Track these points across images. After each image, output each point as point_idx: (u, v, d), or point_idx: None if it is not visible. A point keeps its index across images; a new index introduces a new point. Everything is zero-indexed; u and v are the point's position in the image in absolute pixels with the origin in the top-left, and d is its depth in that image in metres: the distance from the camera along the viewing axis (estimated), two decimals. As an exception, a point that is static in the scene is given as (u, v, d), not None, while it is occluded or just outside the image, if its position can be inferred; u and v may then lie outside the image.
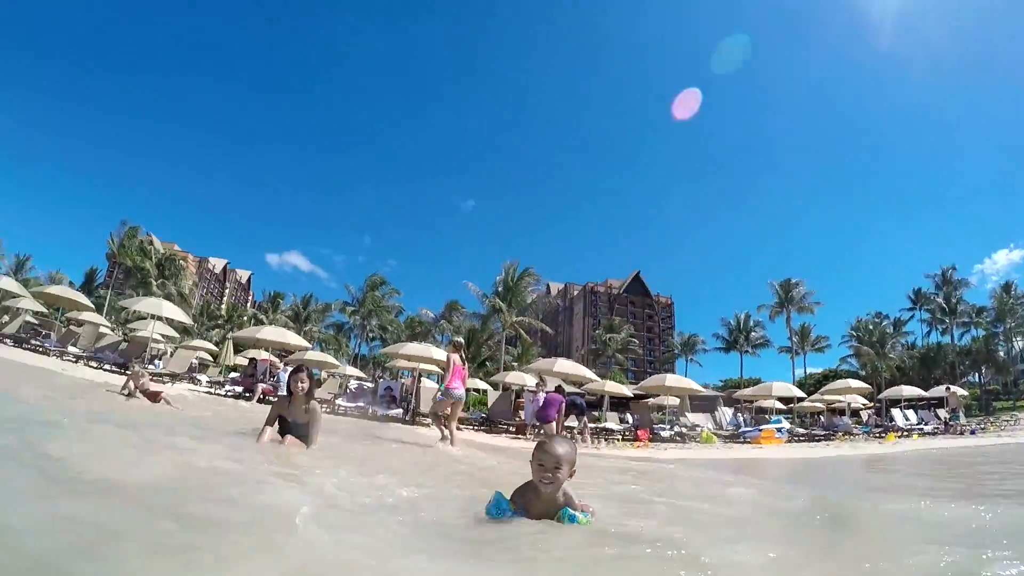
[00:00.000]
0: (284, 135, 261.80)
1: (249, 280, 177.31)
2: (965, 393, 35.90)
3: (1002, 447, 20.92)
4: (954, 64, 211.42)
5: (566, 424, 18.86)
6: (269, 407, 7.03)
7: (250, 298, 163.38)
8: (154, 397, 12.02)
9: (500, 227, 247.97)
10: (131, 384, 12.00)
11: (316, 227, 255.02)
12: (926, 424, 30.28)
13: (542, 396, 17.97)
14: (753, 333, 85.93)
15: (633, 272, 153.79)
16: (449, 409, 11.52)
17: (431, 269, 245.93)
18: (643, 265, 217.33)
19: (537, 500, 3.46)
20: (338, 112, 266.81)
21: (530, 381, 24.95)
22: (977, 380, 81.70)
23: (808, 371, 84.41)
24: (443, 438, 11.41)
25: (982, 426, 34.25)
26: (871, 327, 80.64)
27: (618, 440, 21.87)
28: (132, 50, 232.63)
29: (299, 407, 6.54)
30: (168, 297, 64.87)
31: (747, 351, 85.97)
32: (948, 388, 33.37)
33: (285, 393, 6.76)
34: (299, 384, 6.50)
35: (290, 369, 20.30)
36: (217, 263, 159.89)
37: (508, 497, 3.52)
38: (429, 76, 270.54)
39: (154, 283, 72.39)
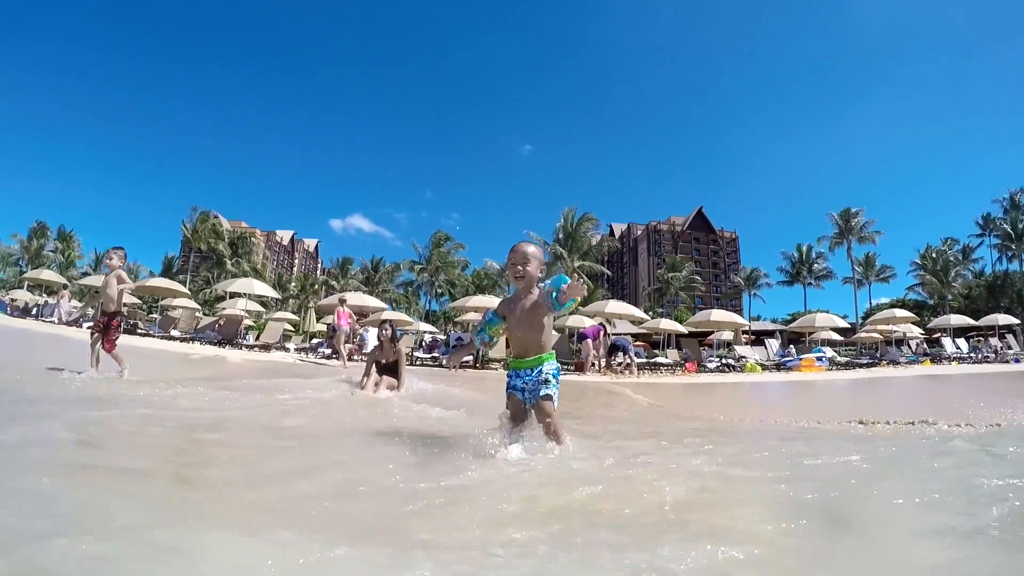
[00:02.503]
0: (335, 98, 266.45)
1: (316, 248, 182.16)
2: (1015, 321, 36.16)
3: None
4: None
5: (615, 361, 21.04)
6: (356, 363, 9.61)
7: (319, 266, 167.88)
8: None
9: (559, 171, 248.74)
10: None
11: (376, 187, 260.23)
12: (975, 353, 31.77)
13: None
14: (816, 265, 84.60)
15: (696, 208, 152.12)
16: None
17: (494, 219, 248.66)
18: (706, 200, 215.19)
19: (517, 302, 4.17)
20: (387, 67, 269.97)
21: (587, 322, 26.76)
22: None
23: (874, 302, 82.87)
24: None
25: None
26: (935, 255, 78.08)
27: (662, 371, 23.18)
28: (182, 33, 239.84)
29: (388, 351, 9.02)
30: (243, 274, 68.93)
31: (811, 283, 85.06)
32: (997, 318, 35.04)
33: (377, 345, 9.30)
34: (384, 332, 9.05)
35: (371, 329, 23.15)
36: (284, 235, 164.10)
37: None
38: (478, 16, 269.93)
39: (228, 262, 76.76)
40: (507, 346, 5.02)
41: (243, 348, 23.65)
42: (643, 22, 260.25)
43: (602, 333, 20.64)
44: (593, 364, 20.41)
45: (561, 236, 63.14)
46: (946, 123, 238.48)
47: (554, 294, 3.95)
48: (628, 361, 20.99)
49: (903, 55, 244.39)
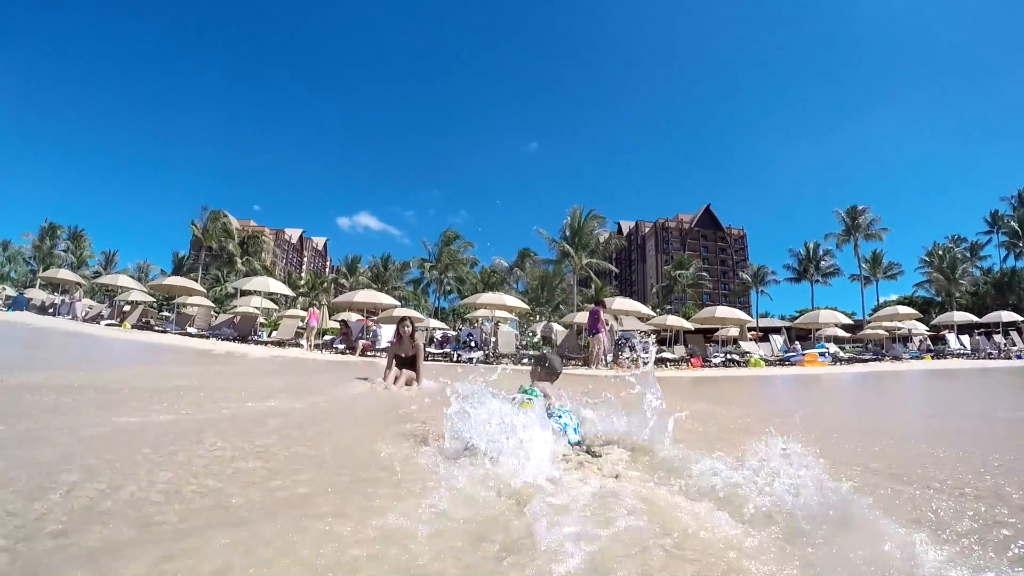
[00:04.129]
0: (343, 97, 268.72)
1: (325, 246, 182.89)
2: (1018, 318, 36.57)
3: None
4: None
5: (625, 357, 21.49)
6: (366, 359, 10.16)
7: (327, 263, 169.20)
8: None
9: (566, 168, 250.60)
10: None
11: (383, 185, 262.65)
12: (979, 349, 32.13)
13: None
14: (823, 262, 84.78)
15: (704, 206, 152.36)
16: None
17: (502, 217, 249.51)
18: (714, 198, 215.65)
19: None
20: (395, 66, 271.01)
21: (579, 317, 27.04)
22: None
23: (881, 299, 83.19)
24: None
25: None
26: (942, 253, 78.35)
27: (667, 366, 23.76)
28: (188, 33, 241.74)
29: (407, 345, 9.68)
30: (253, 272, 69.86)
31: (818, 281, 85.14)
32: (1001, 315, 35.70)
33: (394, 340, 9.88)
34: (404, 329, 9.71)
35: (383, 326, 23.76)
36: (293, 233, 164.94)
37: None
38: (485, 14, 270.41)
39: (239, 261, 77.76)
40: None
41: (259, 344, 24.24)
42: (652, 20, 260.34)
43: (600, 317, 20.73)
44: (603, 359, 20.60)
45: (568, 234, 63.25)
46: (954, 121, 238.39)
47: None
48: (634, 355, 21.39)
49: (912, 55, 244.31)
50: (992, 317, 37.04)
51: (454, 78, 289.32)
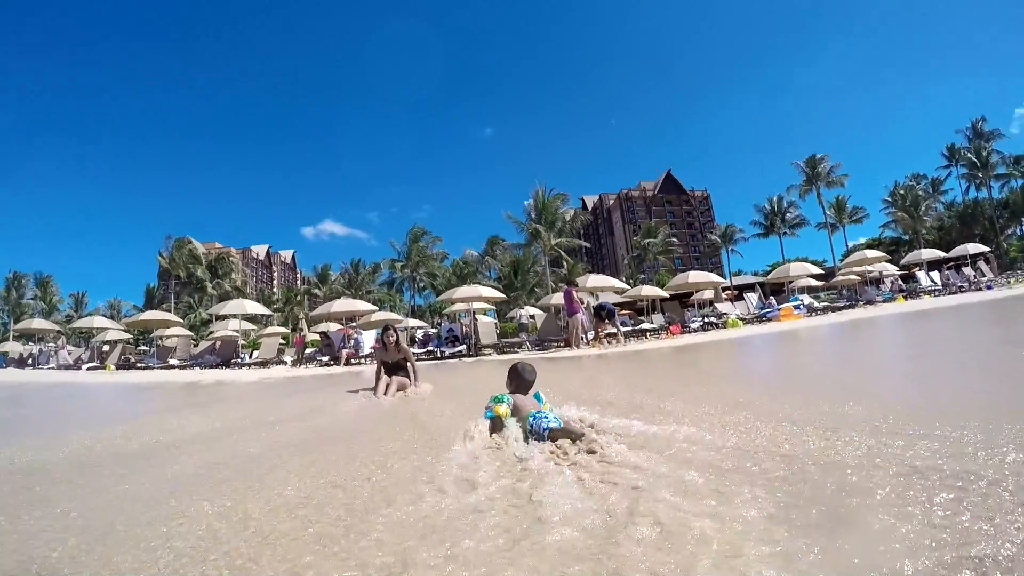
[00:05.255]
0: (292, 106, 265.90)
1: (293, 258, 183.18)
2: (984, 249, 37.84)
3: (983, 301, 22.31)
4: None
5: (607, 331, 21.55)
6: (351, 367, 10.07)
7: (298, 275, 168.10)
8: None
9: (523, 150, 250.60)
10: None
11: (343, 190, 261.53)
12: (949, 284, 33.07)
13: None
14: (789, 214, 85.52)
15: (665, 171, 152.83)
16: None
17: (466, 207, 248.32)
18: (674, 163, 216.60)
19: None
20: (340, 66, 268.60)
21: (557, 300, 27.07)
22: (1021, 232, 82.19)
23: (850, 243, 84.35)
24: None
25: (1007, 280, 37.29)
26: (904, 192, 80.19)
27: (647, 336, 23.84)
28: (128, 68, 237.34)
29: (393, 352, 9.47)
30: (225, 295, 69.49)
31: (786, 233, 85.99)
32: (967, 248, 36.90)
33: (376, 346, 9.76)
34: (389, 338, 9.47)
35: (363, 332, 23.72)
36: (259, 250, 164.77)
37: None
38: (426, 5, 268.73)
39: (209, 285, 77.05)
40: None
41: (242, 367, 24.13)
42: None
43: (575, 296, 20.53)
44: (583, 338, 20.59)
45: (534, 215, 62.98)
46: (903, 58, 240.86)
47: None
48: (615, 330, 21.51)
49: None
50: (959, 250, 37.89)
51: (400, 72, 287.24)
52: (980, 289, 30.49)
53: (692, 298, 35.96)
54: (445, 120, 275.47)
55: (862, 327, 16.72)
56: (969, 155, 79.69)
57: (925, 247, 54.86)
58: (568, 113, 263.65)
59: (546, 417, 4.22)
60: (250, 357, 27.44)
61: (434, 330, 31.77)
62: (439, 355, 23.15)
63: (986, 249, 38.42)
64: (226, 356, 25.89)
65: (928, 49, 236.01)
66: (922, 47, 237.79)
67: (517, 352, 21.88)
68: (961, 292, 30.20)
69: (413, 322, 39.61)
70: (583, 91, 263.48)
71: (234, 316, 33.26)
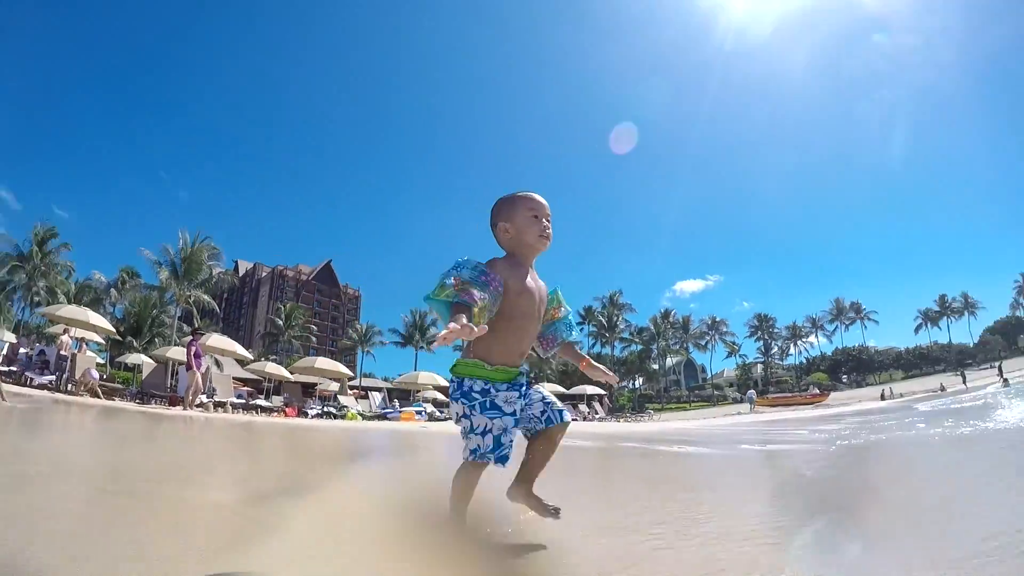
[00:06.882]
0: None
1: None
2: (601, 392, 46.50)
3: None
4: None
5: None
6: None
7: None
8: None
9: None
10: None
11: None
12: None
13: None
14: (430, 331, 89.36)
15: (325, 260, 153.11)
16: None
17: (107, 226, 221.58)
18: (337, 253, 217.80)
19: (528, 274, 2.71)
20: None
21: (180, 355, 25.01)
22: (633, 386, 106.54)
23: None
24: None
25: (615, 419, 45.96)
26: None
27: (258, 412, 23.13)
28: None
29: None
30: None
31: (423, 347, 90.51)
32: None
33: None
34: None
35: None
36: None
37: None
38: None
39: None
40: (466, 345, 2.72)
41: None
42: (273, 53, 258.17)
43: (201, 352, 18.44)
44: (192, 399, 18.02)
45: (175, 259, 58.48)
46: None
47: (570, 333, 2.98)
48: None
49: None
50: (578, 390, 47.29)
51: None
52: (590, 420, 37.31)
53: (319, 387, 35.72)
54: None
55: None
56: (600, 318, 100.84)
57: (549, 382, 61.95)
58: (250, 176, 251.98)
59: None
60: None
61: (27, 350, 26.98)
62: (24, 381, 19.57)
63: (602, 392, 48.57)
64: None
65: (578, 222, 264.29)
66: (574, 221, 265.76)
67: (114, 400, 19.63)
68: (574, 420, 33.32)
69: (8, 336, 33.89)
70: (272, 157, 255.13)
71: None
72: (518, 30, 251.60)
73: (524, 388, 2.68)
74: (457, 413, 2.59)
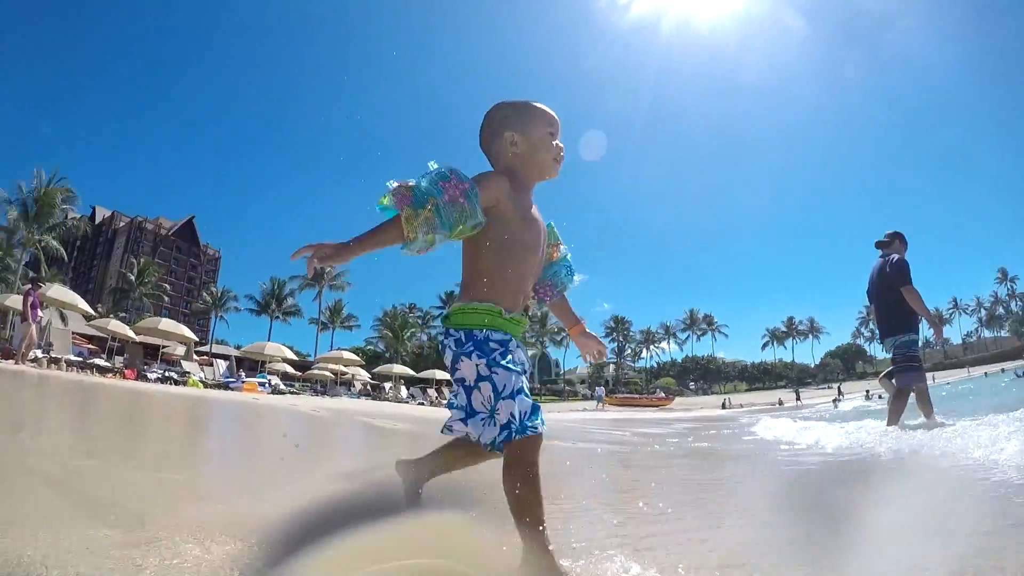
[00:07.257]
0: None
1: None
2: (447, 377, 47.32)
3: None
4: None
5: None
6: None
7: None
8: None
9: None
10: None
11: None
12: (414, 397, 40.81)
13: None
14: (287, 301, 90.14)
15: (188, 216, 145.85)
16: None
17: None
18: (200, 209, 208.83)
19: (530, 204, 2.23)
20: None
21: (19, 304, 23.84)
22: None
23: (336, 346, 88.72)
24: None
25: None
26: (397, 315, 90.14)
27: (93, 372, 21.93)
28: None
29: None
30: None
31: (278, 317, 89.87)
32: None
33: None
34: None
35: None
36: None
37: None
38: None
39: None
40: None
41: None
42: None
43: (38, 303, 17.56)
44: (25, 352, 17.10)
45: (27, 199, 54.88)
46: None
47: (571, 278, 2.54)
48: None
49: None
50: (428, 374, 47.26)
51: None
52: (438, 406, 35.37)
53: (165, 350, 34.59)
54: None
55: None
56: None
57: (412, 366, 62.34)
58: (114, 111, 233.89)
59: None
60: None
61: None
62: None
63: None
64: None
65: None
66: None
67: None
68: (421, 406, 34.09)
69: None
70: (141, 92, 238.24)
71: None
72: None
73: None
74: (469, 377, 1.94)
